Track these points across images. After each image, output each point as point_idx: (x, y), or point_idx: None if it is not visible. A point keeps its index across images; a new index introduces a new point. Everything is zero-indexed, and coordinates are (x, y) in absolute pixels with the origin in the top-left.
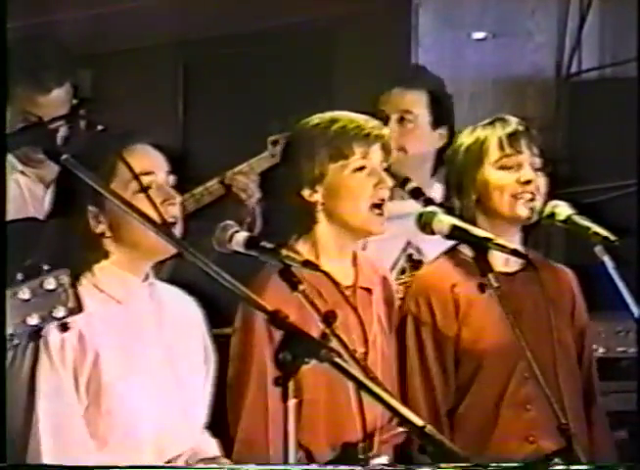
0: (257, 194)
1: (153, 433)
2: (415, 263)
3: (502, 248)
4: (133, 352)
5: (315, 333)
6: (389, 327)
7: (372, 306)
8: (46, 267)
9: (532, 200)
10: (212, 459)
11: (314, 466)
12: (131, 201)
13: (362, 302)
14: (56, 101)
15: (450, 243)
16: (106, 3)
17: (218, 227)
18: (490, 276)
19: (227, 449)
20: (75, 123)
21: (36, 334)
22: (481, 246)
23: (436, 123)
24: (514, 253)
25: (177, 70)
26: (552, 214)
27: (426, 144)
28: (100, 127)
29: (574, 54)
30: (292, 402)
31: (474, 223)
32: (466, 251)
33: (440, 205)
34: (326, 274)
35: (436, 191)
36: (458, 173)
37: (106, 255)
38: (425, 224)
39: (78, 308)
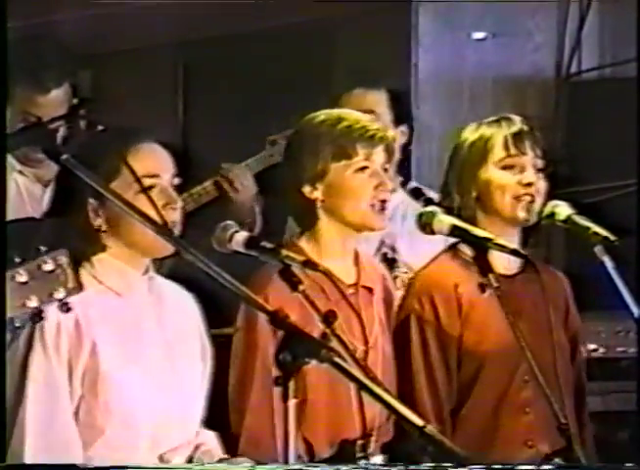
0: (253, 193)
1: (149, 424)
2: (390, 262)
3: (502, 248)
4: (131, 343)
5: (317, 333)
6: (388, 326)
7: (373, 306)
8: (43, 249)
9: (532, 202)
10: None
11: (312, 465)
12: (133, 200)
13: (364, 301)
14: (55, 101)
15: (426, 243)
16: (106, 3)
17: (218, 227)
18: (490, 276)
19: (227, 448)
20: (75, 123)
21: (37, 317)
22: (481, 246)
23: (397, 121)
24: (514, 252)
25: (177, 71)
26: (552, 214)
27: None
28: (100, 127)
29: (574, 54)
30: (292, 402)
31: (473, 221)
32: (466, 250)
33: (438, 203)
34: (326, 274)
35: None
36: (460, 169)
37: (103, 248)
38: (425, 224)
39: (78, 288)
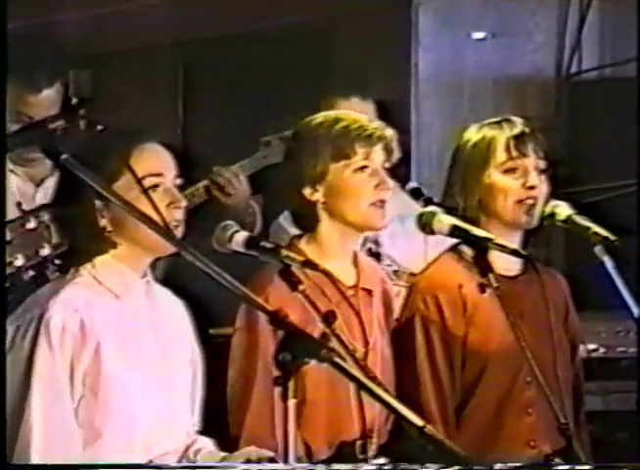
0: (247, 194)
1: (143, 428)
2: (374, 256)
3: (502, 248)
4: (129, 346)
5: (317, 333)
6: (387, 328)
7: (372, 307)
8: (25, 208)
9: (534, 205)
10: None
11: (311, 466)
12: (137, 200)
13: (363, 302)
14: (46, 101)
15: (417, 238)
16: (106, 3)
17: (218, 227)
18: (491, 276)
19: (227, 449)
20: (75, 123)
21: (23, 274)
22: (482, 246)
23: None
24: (514, 253)
25: (177, 71)
26: (552, 214)
27: None
28: (100, 127)
29: (574, 54)
30: (292, 402)
31: (476, 223)
32: (467, 251)
33: (439, 204)
34: (326, 274)
35: None
36: (463, 171)
37: (114, 245)
38: (425, 224)
39: (62, 243)
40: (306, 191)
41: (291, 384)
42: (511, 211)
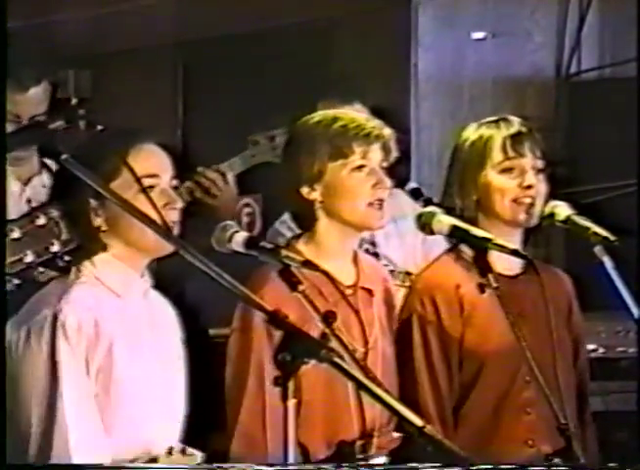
0: (234, 194)
1: (147, 427)
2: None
3: (502, 248)
4: (134, 345)
5: (314, 333)
6: (390, 328)
7: (373, 307)
8: (34, 205)
9: (532, 204)
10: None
11: (310, 465)
12: (133, 200)
13: (363, 302)
14: (34, 99)
15: (410, 236)
16: (106, 4)
17: (218, 227)
18: (490, 276)
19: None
20: (75, 123)
21: (34, 270)
22: (481, 246)
23: None
24: (514, 253)
25: (177, 71)
26: (552, 215)
27: None
28: (99, 127)
29: (574, 54)
30: (291, 402)
31: (474, 223)
32: (467, 251)
33: (439, 204)
34: (326, 274)
35: None
36: (461, 171)
37: (104, 247)
38: (424, 224)
39: (71, 240)
40: (304, 190)
41: (290, 384)
42: (509, 210)
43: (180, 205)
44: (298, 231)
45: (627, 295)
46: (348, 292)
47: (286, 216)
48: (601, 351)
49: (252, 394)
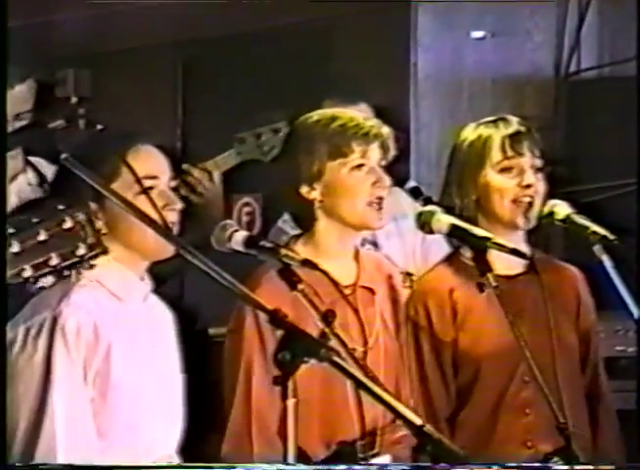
0: (219, 191)
1: (145, 431)
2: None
3: (501, 247)
4: (134, 348)
5: (313, 332)
6: (396, 325)
7: (374, 306)
8: (61, 207)
9: (531, 204)
10: None
11: (309, 466)
12: (133, 202)
13: (363, 301)
14: (19, 97)
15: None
16: (105, 3)
17: (217, 226)
18: (489, 276)
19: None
20: (75, 123)
21: (59, 273)
22: (481, 245)
23: None
24: (513, 252)
25: (176, 70)
26: (551, 214)
27: None
28: (99, 127)
29: (573, 53)
30: (291, 402)
31: (474, 223)
32: (466, 253)
33: (438, 203)
34: (325, 274)
35: None
36: (459, 171)
37: (105, 251)
38: (424, 223)
39: (98, 244)
40: (304, 189)
41: (290, 383)
42: (508, 211)
43: (179, 206)
44: (299, 230)
45: (627, 294)
46: (347, 291)
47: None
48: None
49: (240, 395)
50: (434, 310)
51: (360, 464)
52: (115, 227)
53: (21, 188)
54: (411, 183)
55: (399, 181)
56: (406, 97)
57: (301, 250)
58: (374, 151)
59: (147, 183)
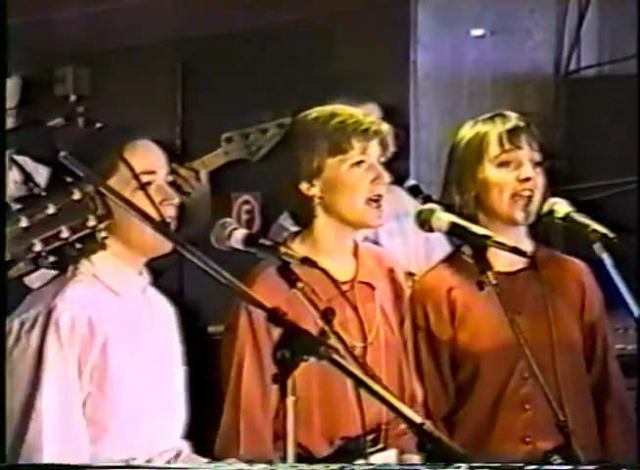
0: (206, 191)
1: (146, 425)
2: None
3: (501, 245)
4: (132, 342)
5: (312, 330)
6: (398, 320)
7: (374, 301)
8: (69, 180)
9: (530, 198)
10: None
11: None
12: (131, 198)
13: (362, 297)
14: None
15: (413, 236)
16: (104, 1)
17: (217, 224)
18: (489, 274)
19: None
20: (74, 120)
21: (71, 246)
22: (480, 243)
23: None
24: (513, 250)
25: (176, 68)
26: (551, 212)
27: None
28: (98, 125)
29: (573, 51)
30: (290, 400)
31: (474, 220)
32: (467, 251)
33: (438, 202)
34: (324, 271)
35: None
36: (458, 169)
37: (103, 246)
38: (423, 221)
39: (108, 215)
40: (303, 186)
41: (289, 381)
42: (507, 206)
43: (177, 200)
44: (298, 228)
45: (626, 292)
46: (345, 288)
47: None
48: None
49: (230, 394)
50: (431, 310)
51: (355, 464)
52: (113, 223)
53: (7, 186)
54: (411, 181)
55: (399, 179)
56: (406, 95)
57: (299, 247)
58: (373, 147)
59: (144, 178)
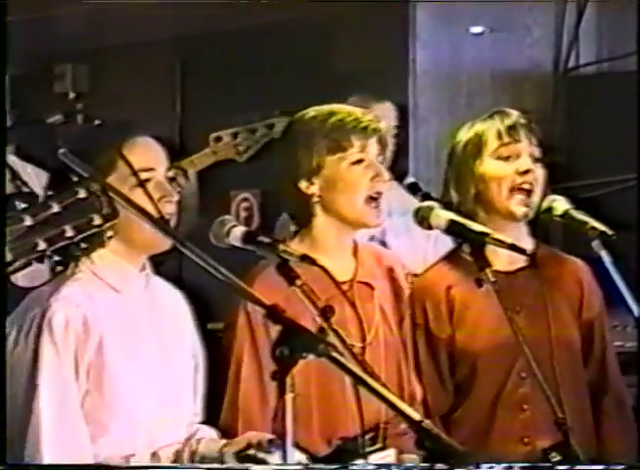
0: (193, 190)
1: (147, 421)
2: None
3: (500, 243)
4: (131, 340)
5: (311, 328)
6: (398, 319)
7: (373, 301)
8: (75, 179)
9: (530, 192)
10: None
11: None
12: (129, 195)
13: (361, 296)
14: None
15: (421, 236)
16: None
17: (215, 222)
18: (488, 271)
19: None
20: (73, 117)
21: (76, 246)
22: (479, 241)
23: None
24: (512, 247)
25: (175, 66)
26: (549, 209)
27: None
28: (97, 122)
29: (572, 48)
30: (289, 397)
31: (473, 217)
32: (466, 249)
33: (438, 200)
34: (323, 269)
35: None
36: (457, 167)
37: (102, 244)
38: (422, 219)
39: (114, 214)
40: (302, 184)
41: (288, 378)
42: (506, 199)
43: (176, 197)
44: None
45: (625, 289)
46: (344, 287)
47: None
48: None
49: (230, 391)
50: (430, 308)
51: (349, 464)
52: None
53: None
54: (409, 179)
55: (398, 177)
56: (405, 93)
57: (298, 246)
58: (372, 146)
59: (143, 175)
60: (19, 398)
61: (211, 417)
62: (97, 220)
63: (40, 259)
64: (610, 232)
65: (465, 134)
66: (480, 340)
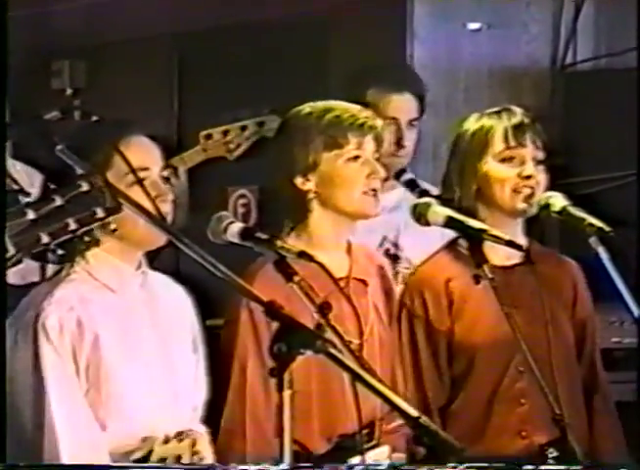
0: (183, 188)
1: (145, 419)
2: (392, 258)
3: (497, 239)
4: (128, 339)
5: (308, 324)
6: (389, 317)
7: (367, 297)
8: (78, 172)
9: (532, 194)
10: None
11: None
12: (127, 194)
13: (356, 293)
14: None
15: (436, 238)
16: None
17: (213, 218)
18: (485, 267)
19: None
20: (70, 114)
21: (80, 239)
22: (477, 237)
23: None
24: (509, 244)
25: (172, 62)
26: (547, 205)
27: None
28: (94, 118)
29: (570, 45)
30: (287, 393)
31: (473, 213)
32: (464, 243)
33: (437, 196)
34: (321, 266)
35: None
36: (461, 160)
37: (97, 242)
38: (419, 215)
39: (117, 207)
40: (298, 181)
41: (286, 375)
42: (508, 198)
43: (171, 196)
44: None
45: (622, 286)
46: (341, 284)
47: None
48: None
49: (235, 389)
50: (430, 300)
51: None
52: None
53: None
54: (408, 175)
55: (395, 173)
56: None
57: (295, 242)
58: (369, 143)
59: (139, 175)
60: (27, 401)
61: (211, 415)
62: (100, 213)
63: (44, 253)
64: (607, 229)
65: (472, 125)
66: (478, 334)
